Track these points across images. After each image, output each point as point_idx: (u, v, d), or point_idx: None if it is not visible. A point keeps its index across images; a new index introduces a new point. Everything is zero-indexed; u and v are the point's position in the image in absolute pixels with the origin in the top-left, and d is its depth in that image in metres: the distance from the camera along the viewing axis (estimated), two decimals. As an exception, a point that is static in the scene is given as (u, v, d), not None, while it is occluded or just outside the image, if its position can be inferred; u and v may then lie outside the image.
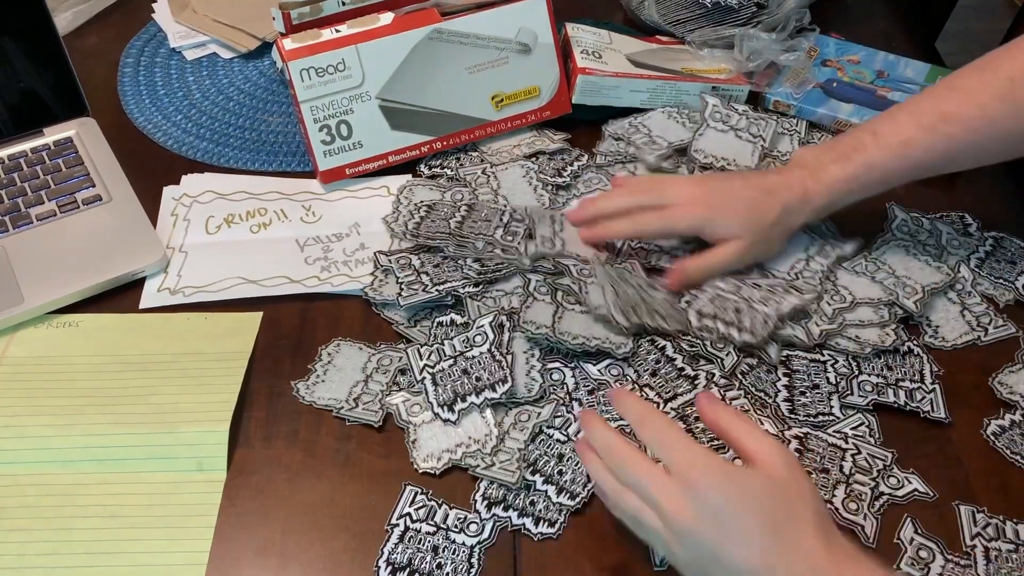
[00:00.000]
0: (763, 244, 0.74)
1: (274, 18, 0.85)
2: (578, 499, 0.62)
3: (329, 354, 0.72)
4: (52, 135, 0.88)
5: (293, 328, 0.75)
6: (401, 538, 0.61)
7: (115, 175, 0.85)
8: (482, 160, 0.88)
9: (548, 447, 0.65)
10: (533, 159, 0.88)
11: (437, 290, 0.73)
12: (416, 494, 0.63)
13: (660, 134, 0.89)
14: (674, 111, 0.91)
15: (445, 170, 0.87)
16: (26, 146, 0.87)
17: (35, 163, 0.85)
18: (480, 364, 0.68)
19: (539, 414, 0.67)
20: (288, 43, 0.82)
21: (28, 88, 0.88)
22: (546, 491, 0.63)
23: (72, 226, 0.80)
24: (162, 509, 0.63)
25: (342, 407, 0.69)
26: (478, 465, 0.64)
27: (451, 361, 0.69)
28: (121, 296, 0.77)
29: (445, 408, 0.66)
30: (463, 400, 0.67)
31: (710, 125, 0.88)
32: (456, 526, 0.62)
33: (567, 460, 0.64)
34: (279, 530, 0.62)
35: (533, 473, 0.64)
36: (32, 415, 0.67)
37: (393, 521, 0.62)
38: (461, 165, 0.88)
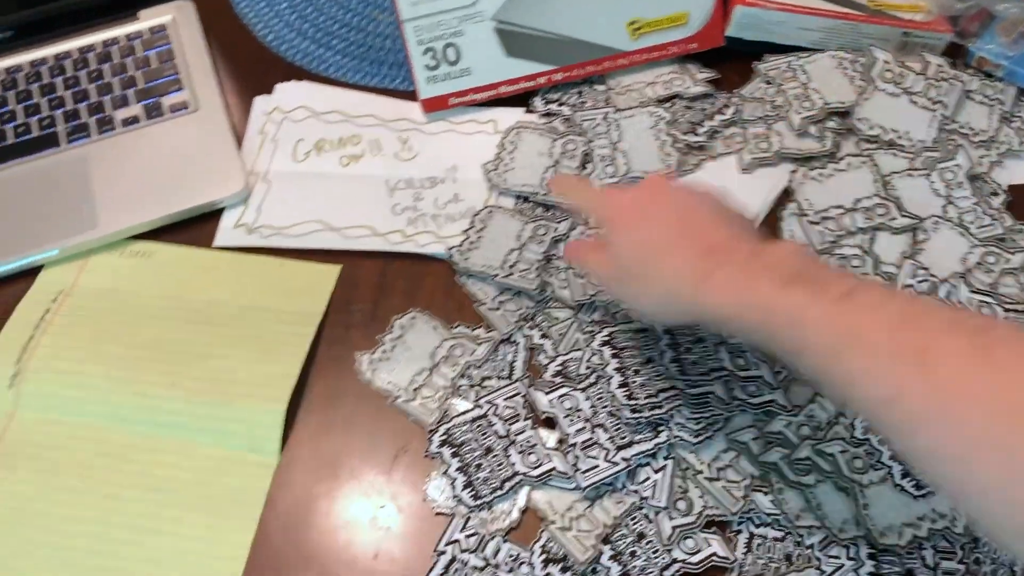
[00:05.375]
0: (637, 297, 0.54)
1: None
2: (641, 593, 0.55)
3: (402, 326, 0.66)
4: (147, 20, 0.81)
5: (369, 290, 0.68)
6: (446, 569, 0.56)
7: (206, 77, 0.78)
8: (607, 101, 0.75)
9: (633, 520, 0.57)
10: (667, 104, 0.75)
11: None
12: (468, 519, 0.58)
13: (819, 87, 0.73)
14: (846, 58, 0.75)
15: (563, 107, 0.75)
16: (120, 32, 0.81)
17: (127, 53, 0.79)
18: None
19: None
20: (396, -52, 0.71)
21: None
22: (609, 569, 0.55)
23: (155, 138, 0.75)
24: (209, 488, 0.60)
25: (399, 396, 0.63)
26: (554, 522, 0.57)
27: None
28: (196, 227, 0.72)
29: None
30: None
31: (879, 87, 0.72)
32: (507, 564, 0.56)
33: (647, 543, 0.56)
34: (321, 536, 0.59)
35: (604, 542, 0.56)
36: (94, 363, 0.64)
37: (440, 547, 0.57)
38: (583, 102, 0.76)
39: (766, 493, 0.57)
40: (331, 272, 0.69)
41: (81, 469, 0.61)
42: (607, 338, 0.62)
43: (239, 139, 0.75)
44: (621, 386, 0.60)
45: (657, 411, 0.58)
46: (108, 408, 0.63)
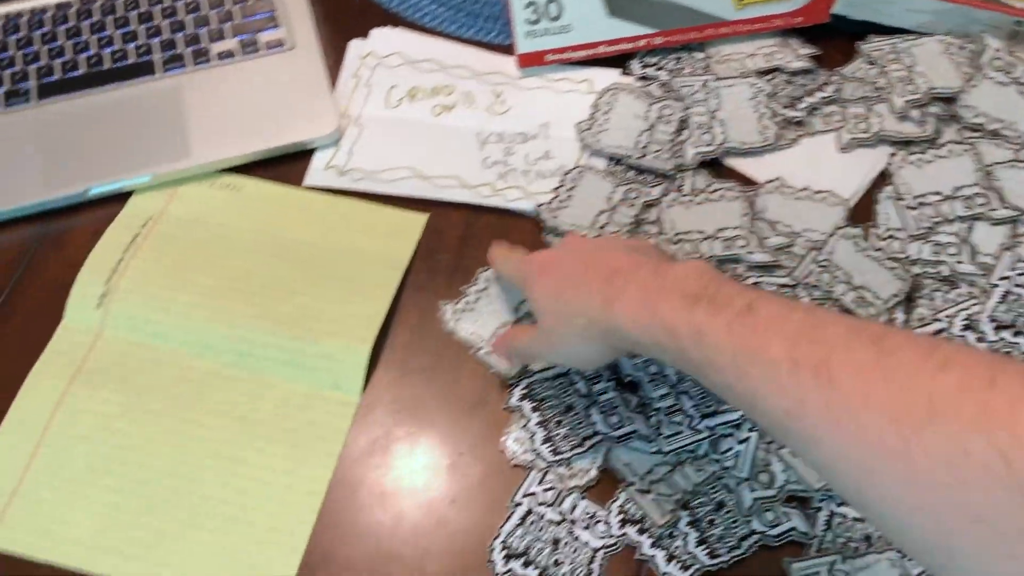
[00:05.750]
0: (563, 343, 0.54)
1: None
2: (717, 561, 0.54)
3: (487, 280, 0.66)
4: (246, -47, 0.81)
5: (455, 241, 0.68)
6: (522, 520, 0.56)
7: (302, 17, 0.78)
8: (706, 69, 0.74)
9: (713, 488, 0.57)
10: (767, 76, 0.74)
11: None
12: (547, 472, 0.58)
13: (924, 71, 0.72)
14: (954, 44, 0.73)
15: (660, 72, 0.75)
16: (217, -35, 0.81)
17: (224, -13, 0.79)
18: None
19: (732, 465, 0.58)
20: None
21: None
22: (686, 535, 0.55)
23: (249, 73, 0.75)
24: (291, 422, 0.61)
25: (482, 347, 0.63)
26: (633, 483, 0.57)
27: None
28: (287, 165, 0.72)
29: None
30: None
31: (987, 75, 0.71)
32: (583, 521, 0.56)
33: (726, 513, 0.56)
34: (399, 478, 0.59)
35: (683, 507, 0.56)
36: (181, 290, 0.65)
37: (517, 499, 0.57)
38: (681, 68, 0.75)
39: (850, 473, 0.56)
40: (419, 220, 0.69)
41: (164, 393, 0.62)
42: (697, 306, 0.61)
43: (333, 81, 0.75)
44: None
45: (745, 382, 0.58)
46: (194, 336, 0.64)
